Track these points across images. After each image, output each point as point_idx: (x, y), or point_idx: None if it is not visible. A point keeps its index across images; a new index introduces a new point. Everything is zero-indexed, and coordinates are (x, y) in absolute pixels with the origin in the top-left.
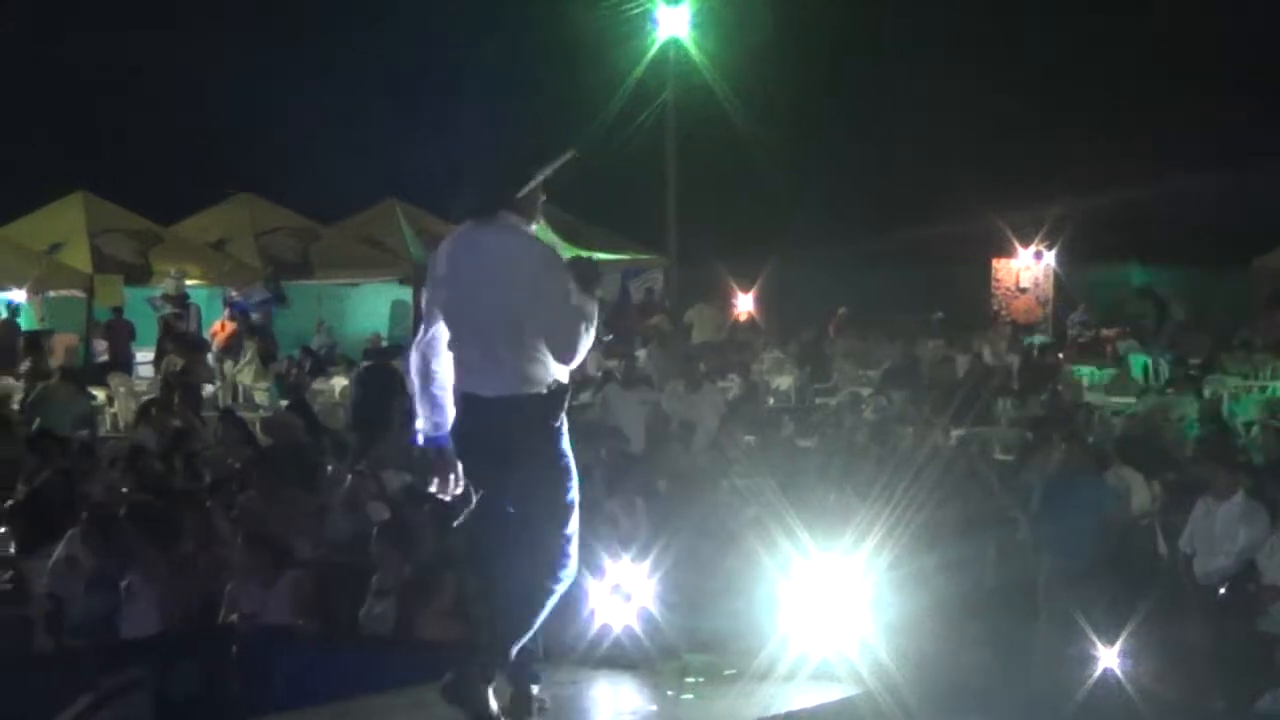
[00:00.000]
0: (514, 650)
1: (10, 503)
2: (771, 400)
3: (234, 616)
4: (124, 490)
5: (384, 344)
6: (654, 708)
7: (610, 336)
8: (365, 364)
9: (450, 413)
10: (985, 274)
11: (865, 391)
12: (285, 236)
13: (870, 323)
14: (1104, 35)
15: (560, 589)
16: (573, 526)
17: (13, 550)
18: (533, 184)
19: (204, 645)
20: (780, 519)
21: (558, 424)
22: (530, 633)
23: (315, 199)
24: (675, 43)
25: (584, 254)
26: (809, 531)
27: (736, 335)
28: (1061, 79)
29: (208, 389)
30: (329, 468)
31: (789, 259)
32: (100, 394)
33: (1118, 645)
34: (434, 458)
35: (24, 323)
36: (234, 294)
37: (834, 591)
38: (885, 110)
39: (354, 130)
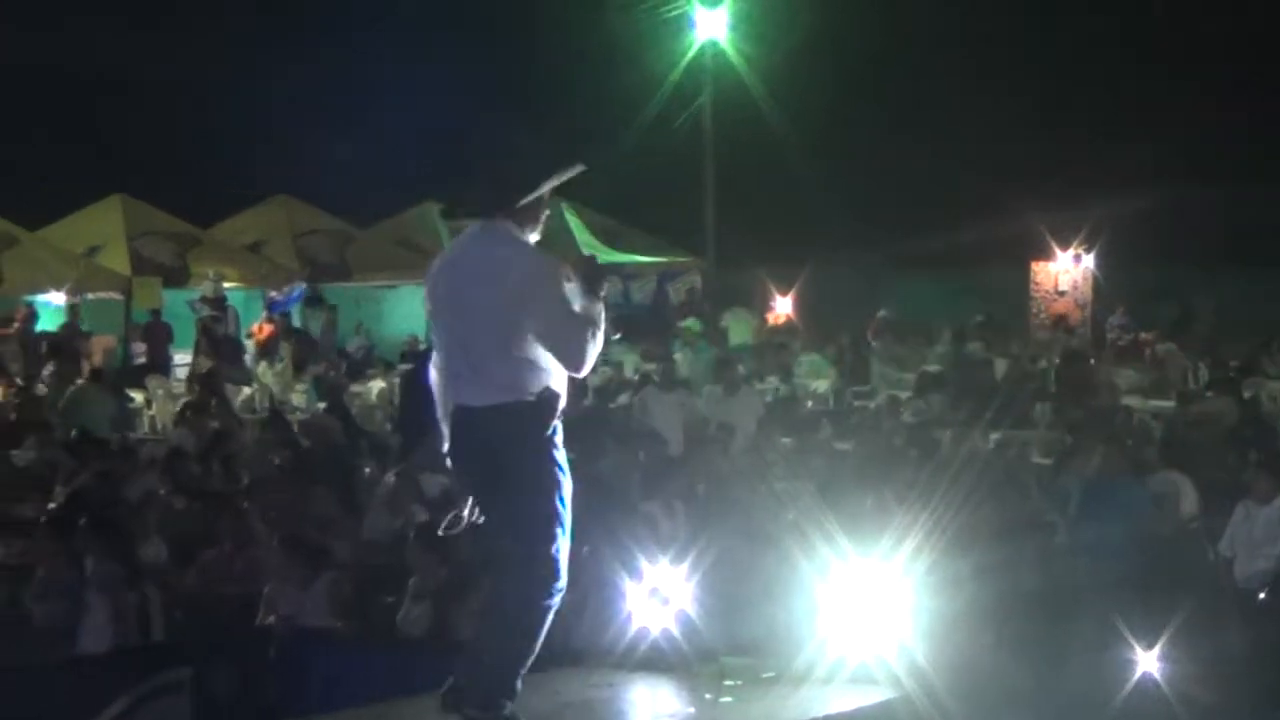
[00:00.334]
0: (519, 680)
1: (51, 505)
2: (809, 403)
3: (271, 618)
4: (161, 492)
5: (421, 346)
6: (691, 710)
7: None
8: (405, 367)
9: None
10: (1024, 277)
11: (904, 394)
12: (322, 238)
13: (908, 325)
14: (1136, 37)
15: (555, 604)
16: (563, 539)
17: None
18: (535, 194)
19: (242, 647)
20: (818, 522)
21: (549, 432)
22: (532, 656)
23: (350, 201)
24: (713, 45)
25: (598, 251)
26: (847, 534)
27: (774, 338)
28: (1099, 80)
29: (244, 391)
30: (366, 470)
31: (826, 261)
32: (138, 396)
33: (1157, 649)
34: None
35: (49, 325)
36: (273, 294)
37: (872, 595)
38: (923, 112)
39: (390, 133)
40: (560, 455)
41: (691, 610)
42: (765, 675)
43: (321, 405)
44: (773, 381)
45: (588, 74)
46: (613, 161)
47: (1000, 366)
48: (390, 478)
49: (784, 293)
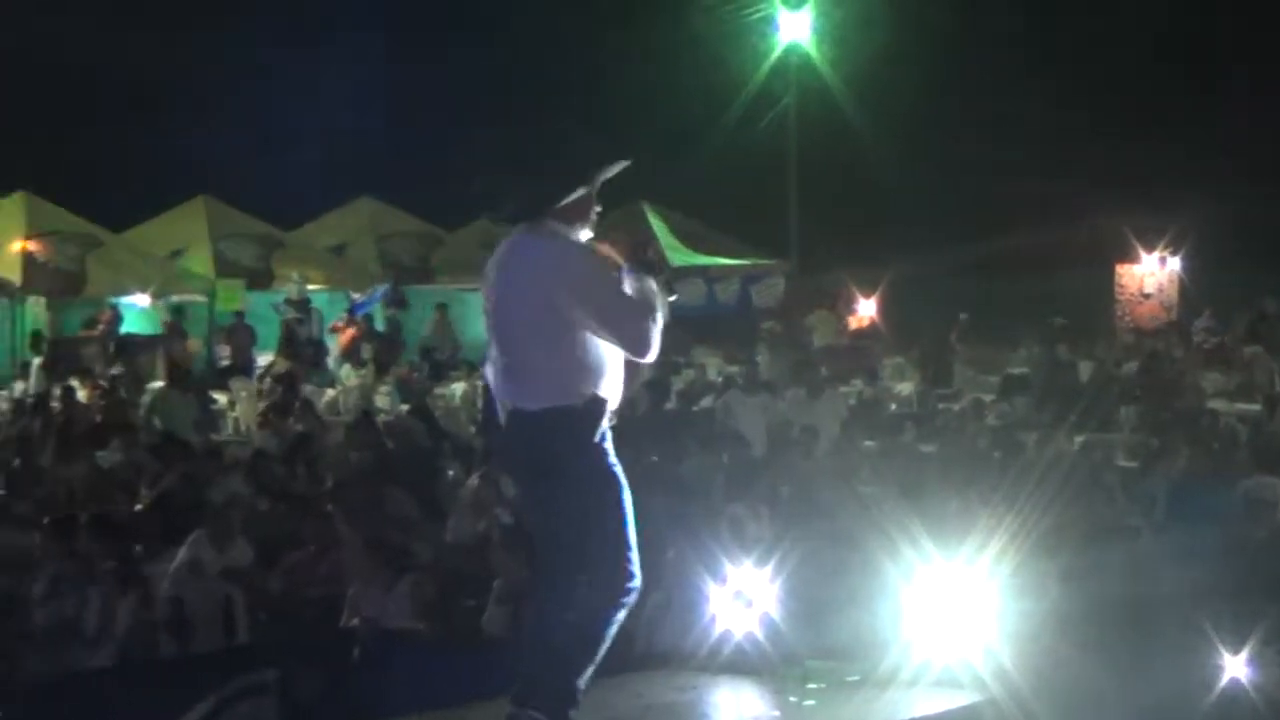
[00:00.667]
0: (583, 684)
1: (137, 507)
2: (893, 405)
3: (355, 620)
4: (246, 494)
5: None
6: (776, 714)
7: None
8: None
9: None
10: (1108, 279)
11: (987, 397)
12: (405, 240)
13: (992, 327)
14: (1224, 41)
15: (623, 608)
16: (624, 544)
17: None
18: (580, 193)
19: (326, 649)
20: (902, 525)
21: (596, 439)
22: (595, 663)
23: (436, 203)
24: (796, 48)
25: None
26: (931, 537)
27: (858, 341)
28: (1186, 85)
29: (328, 393)
30: (449, 472)
31: (910, 264)
32: (222, 398)
33: (1244, 654)
34: None
35: (134, 327)
36: (356, 296)
37: (956, 598)
38: (1006, 114)
39: (477, 134)
40: (612, 458)
41: (775, 613)
42: (849, 679)
43: (405, 407)
44: (857, 384)
45: (674, 76)
46: (697, 164)
47: (1085, 369)
48: (474, 480)
49: (867, 295)
